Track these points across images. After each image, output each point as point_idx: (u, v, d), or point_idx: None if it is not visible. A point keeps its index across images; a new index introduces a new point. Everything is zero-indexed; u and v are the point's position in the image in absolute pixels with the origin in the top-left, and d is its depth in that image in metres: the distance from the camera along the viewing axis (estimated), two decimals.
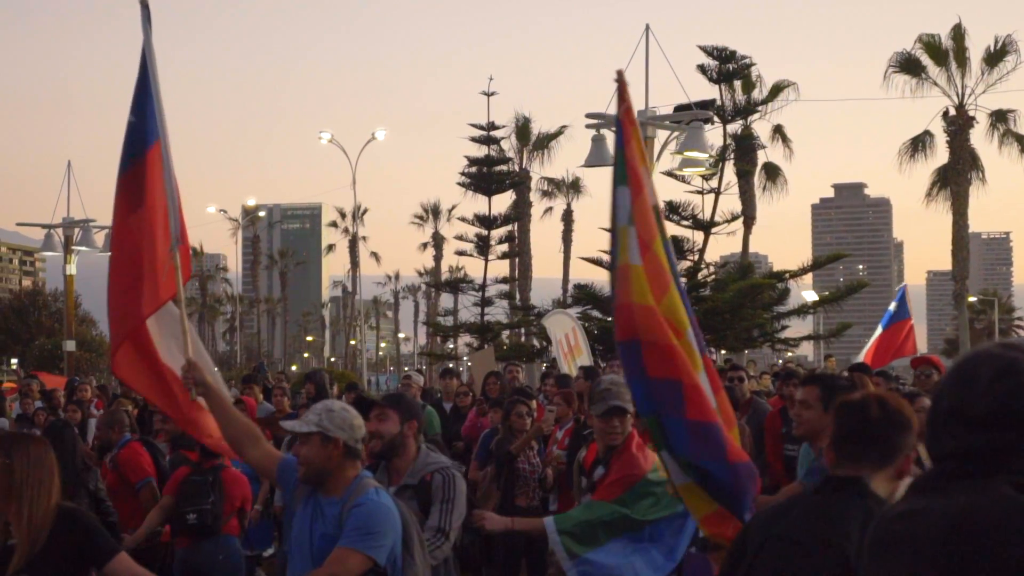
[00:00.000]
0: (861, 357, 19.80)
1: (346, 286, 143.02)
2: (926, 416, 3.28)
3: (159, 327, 7.14)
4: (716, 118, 42.26)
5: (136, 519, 10.18)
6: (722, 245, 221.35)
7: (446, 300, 74.07)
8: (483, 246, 51.10)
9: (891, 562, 2.63)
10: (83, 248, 35.61)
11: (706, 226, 38.91)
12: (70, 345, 37.05)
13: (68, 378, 23.77)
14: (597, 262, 39.13)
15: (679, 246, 38.10)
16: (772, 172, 50.34)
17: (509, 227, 53.38)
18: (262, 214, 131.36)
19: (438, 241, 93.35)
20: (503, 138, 55.28)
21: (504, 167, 52.82)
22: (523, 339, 52.45)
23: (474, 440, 12.90)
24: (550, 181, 69.55)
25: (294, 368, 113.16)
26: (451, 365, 22.25)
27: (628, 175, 5.55)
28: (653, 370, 5.34)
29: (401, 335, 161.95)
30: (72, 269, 36.39)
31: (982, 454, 2.56)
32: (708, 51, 43.83)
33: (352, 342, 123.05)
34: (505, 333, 51.18)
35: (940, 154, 47.58)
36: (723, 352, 36.72)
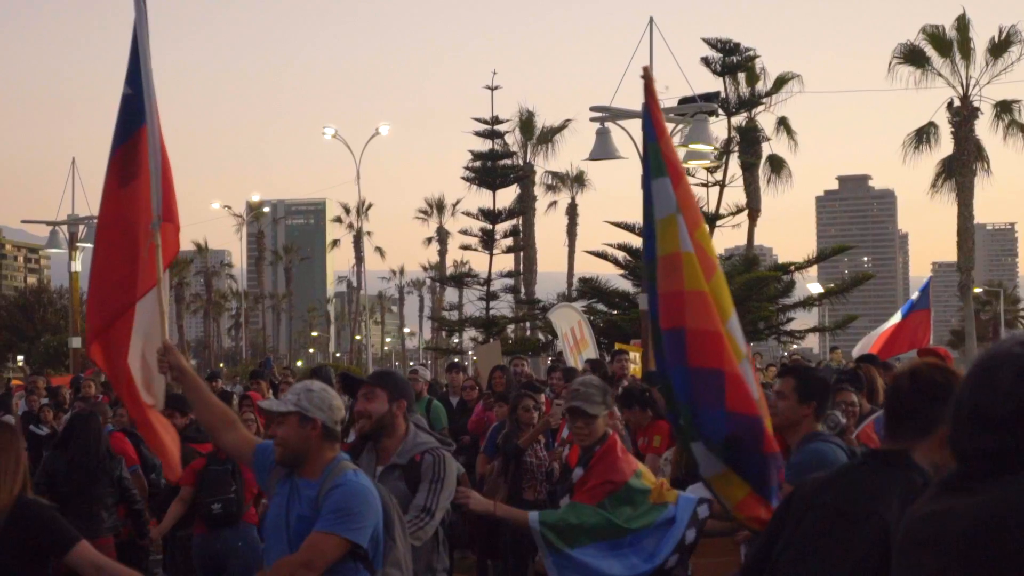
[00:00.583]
0: (869, 344, 19.80)
1: (351, 281, 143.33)
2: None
3: (140, 313, 6.91)
4: (720, 111, 42.26)
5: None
6: (727, 238, 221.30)
7: (451, 295, 73.96)
8: (488, 240, 51.08)
9: (919, 561, 2.69)
10: (88, 245, 35.53)
11: (711, 219, 38.88)
12: (75, 342, 37.01)
13: (74, 375, 23.80)
14: (602, 256, 39.11)
15: None
16: (776, 164, 50.32)
17: (514, 221, 53.36)
18: (266, 210, 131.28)
19: (443, 236, 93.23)
20: (507, 132, 55.38)
21: (508, 161, 52.83)
22: (528, 333, 52.49)
23: (480, 434, 12.89)
24: (554, 175, 69.65)
25: (299, 364, 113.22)
26: (456, 360, 22.20)
27: (666, 166, 5.65)
28: (695, 360, 5.40)
29: (406, 330, 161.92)
30: (77, 266, 36.38)
31: (1005, 454, 2.60)
32: (712, 43, 43.82)
33: (357, 337, 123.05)
34: (510, 327, 51.19)
35: (945, 145, 47.58)
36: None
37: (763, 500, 5.54)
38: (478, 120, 50.76)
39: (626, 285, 40.13)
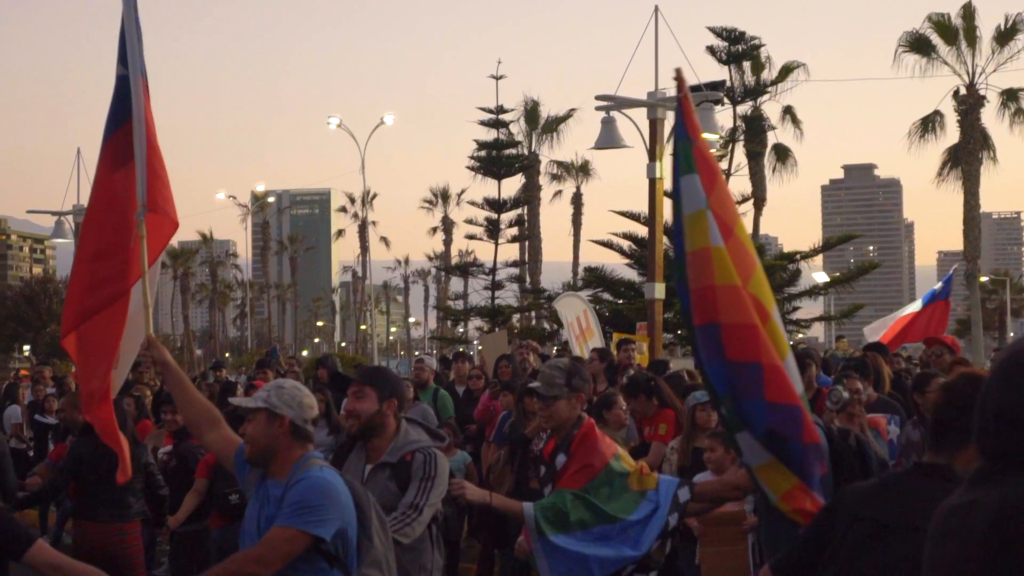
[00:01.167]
0: (885, 328, 19.80)
1: (356, 271, 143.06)
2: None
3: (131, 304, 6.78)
4: (726, 99, 42.20)
5: None
6: None
7: (456, 284, 74.02)
8: (493, 230, 51.07)
9: (944, 551, 2.79)
10: None
11: None
12: None
13: None
14: (607, 245, 39.08)
15: None
16: (782, 153, 50.25)
17: (519, 211, 53.36)
18: (271, 200, 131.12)
19: (448, 225, 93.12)
20: (512, 121, 55.36)
21: (513, 151, 52.82)
22: (533, 322, 52.49)
23: (487, 423, 12.90)
24: (559, 164, 69.60)
25: (304, 353, 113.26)
26: (461, 349, 22.13)
27: (696, 163, 5.71)
28: (732, 353, 5.44)
29: (411, 319, 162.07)
30: None
31: None
32: (717, 32, 43.77)
33: (362, 327, 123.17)
34: (516, 316, 51.20)
35: (951, 134, 47.45)
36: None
37: (809, 492, 5.59)
38: (483, 109, 50.80)
39: (631, 274, 40.12)
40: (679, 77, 6.20)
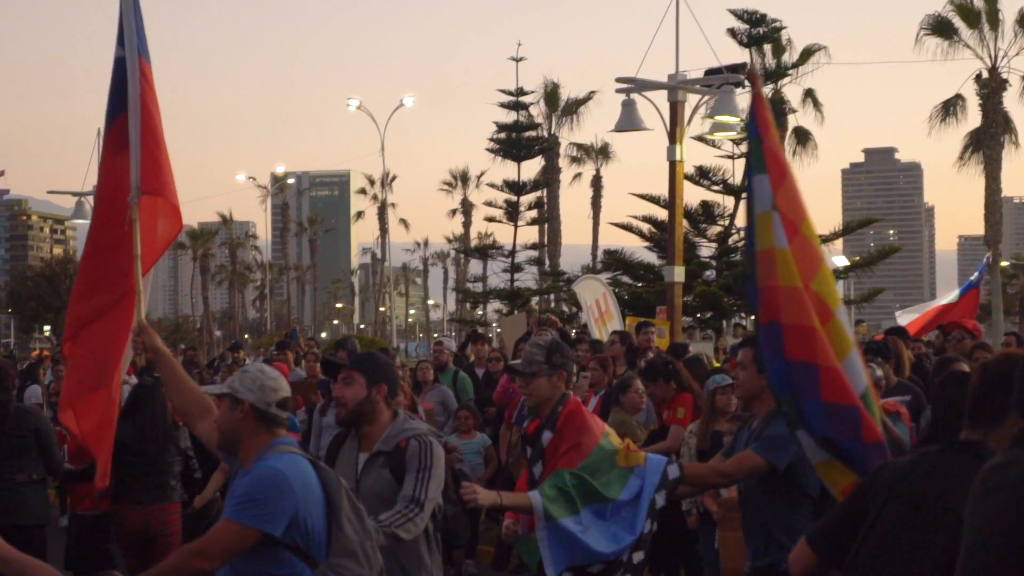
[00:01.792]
0: (919, 314, 19.70)
1: (375, 253, 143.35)
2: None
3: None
4: (746, 82, 42.01)
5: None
6: None
7: (475, 266, 73.89)
8: (512, 212, 50.99)
9: (987, 505, 2.99)
10: None
11: (737, 191, 38.65)
12: None
13: None
14: (627, 228, 39.01)
15: (709, 211, 37.99)
16: (802, 136, 49.99)
17: (538, 193, 53.23)
18: (291, 181, 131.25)
19: (467, 207, 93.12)
20: (532, 104, 55.15)
21: (533, 133, 52.67)
22: (553, 305, 52.45)
23: (506, 405, 12.91)
24: (579, 147, 69.53)
25: (323, 335, 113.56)
26: (480, 330, 22.16)
27: (767, 162, 5.79)
28: (792, 352, 5.53)
29: (430, 302, 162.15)
30: None
31: None
32: (738, 14, 43.51)
33: (381, 309, 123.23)
34: (535, 299, 51.18)
35: (972, 118, 47.14)
36: (752, 318, 36.61)
37: None
38: (503, 92, 50.62)
39: (651, 257, 40.03)
40: (752, 74, 6.33)
